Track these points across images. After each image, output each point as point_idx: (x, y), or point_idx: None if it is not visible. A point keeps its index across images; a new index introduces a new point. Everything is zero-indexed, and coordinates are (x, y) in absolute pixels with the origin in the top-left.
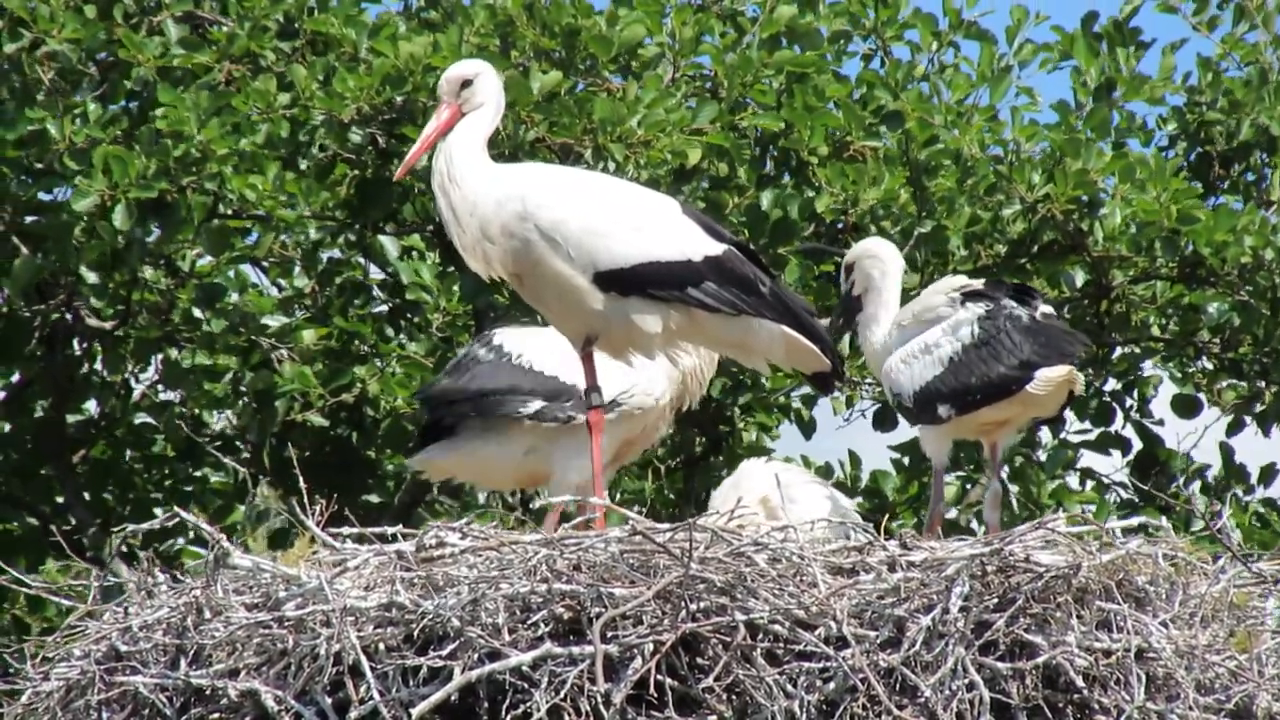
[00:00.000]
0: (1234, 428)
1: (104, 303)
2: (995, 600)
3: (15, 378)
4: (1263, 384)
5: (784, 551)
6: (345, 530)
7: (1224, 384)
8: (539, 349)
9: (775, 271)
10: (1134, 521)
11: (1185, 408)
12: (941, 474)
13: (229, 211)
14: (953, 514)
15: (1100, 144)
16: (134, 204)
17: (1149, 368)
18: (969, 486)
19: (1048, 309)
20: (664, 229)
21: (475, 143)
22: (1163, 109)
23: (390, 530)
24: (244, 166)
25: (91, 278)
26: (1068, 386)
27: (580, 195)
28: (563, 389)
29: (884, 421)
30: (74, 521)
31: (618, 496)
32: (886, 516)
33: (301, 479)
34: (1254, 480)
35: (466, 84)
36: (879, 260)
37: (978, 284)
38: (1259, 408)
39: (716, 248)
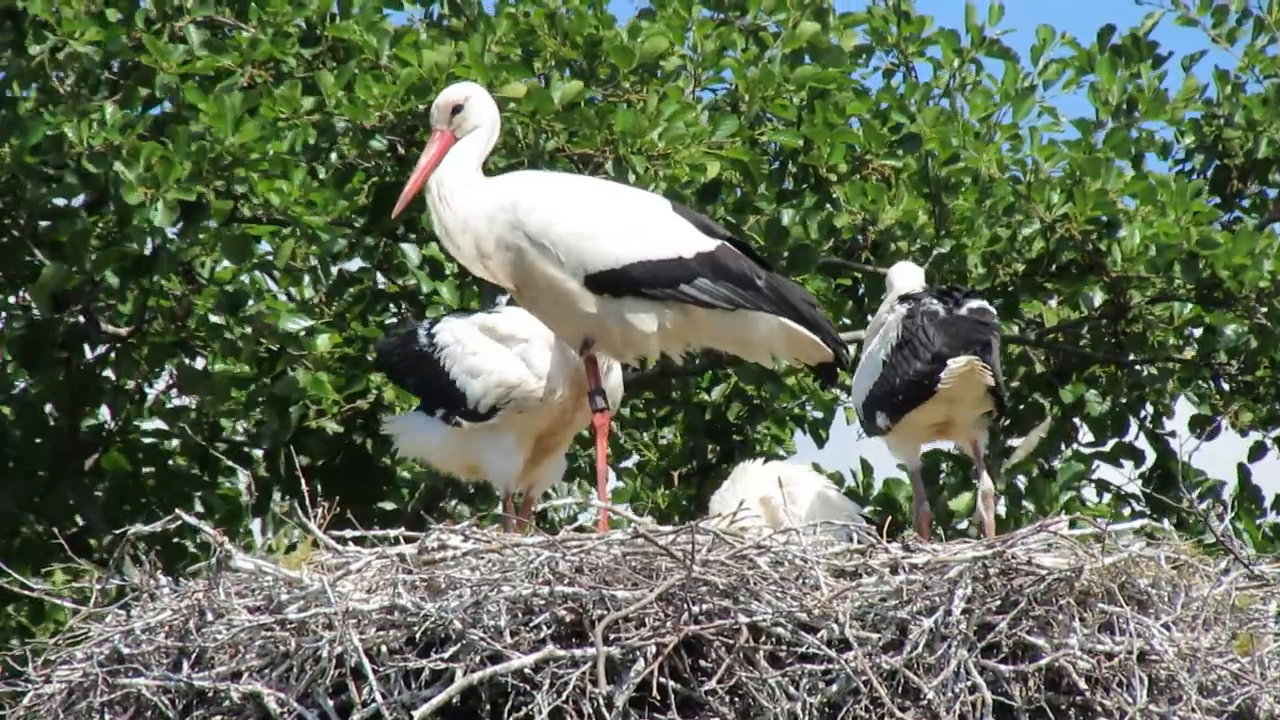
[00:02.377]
0: (1255, 453)
1: (126, 306)
2: (998, 603)
3: (21, 384)
4: (1279, 406)
5: (786, 554)
6: (347, 533)
7: (1238, 405)
8: (459, 350)
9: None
10: (1136, 524)
11: (1202, 429)
12: (918, 475)
13: (249, 215)
14: (963, 525)
15: (1118, 162)
16: (175, 204)
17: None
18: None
19: (978, 304)
20: (654, 228)
21: (468, 164)
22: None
23: (393, 533)
24: (273, 170)
25: (114, 281)
26: (975, 377)
27: (567, 199)
28: (457, 398)
29: None
30: (80, 524)
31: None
32: (889, 521)
33: (311, 485)
34: (1267, 504)
35: (457, 109)
36: (889, 280)
37: (917, 289)
38: (1276, 431)
39: (709, 244)
